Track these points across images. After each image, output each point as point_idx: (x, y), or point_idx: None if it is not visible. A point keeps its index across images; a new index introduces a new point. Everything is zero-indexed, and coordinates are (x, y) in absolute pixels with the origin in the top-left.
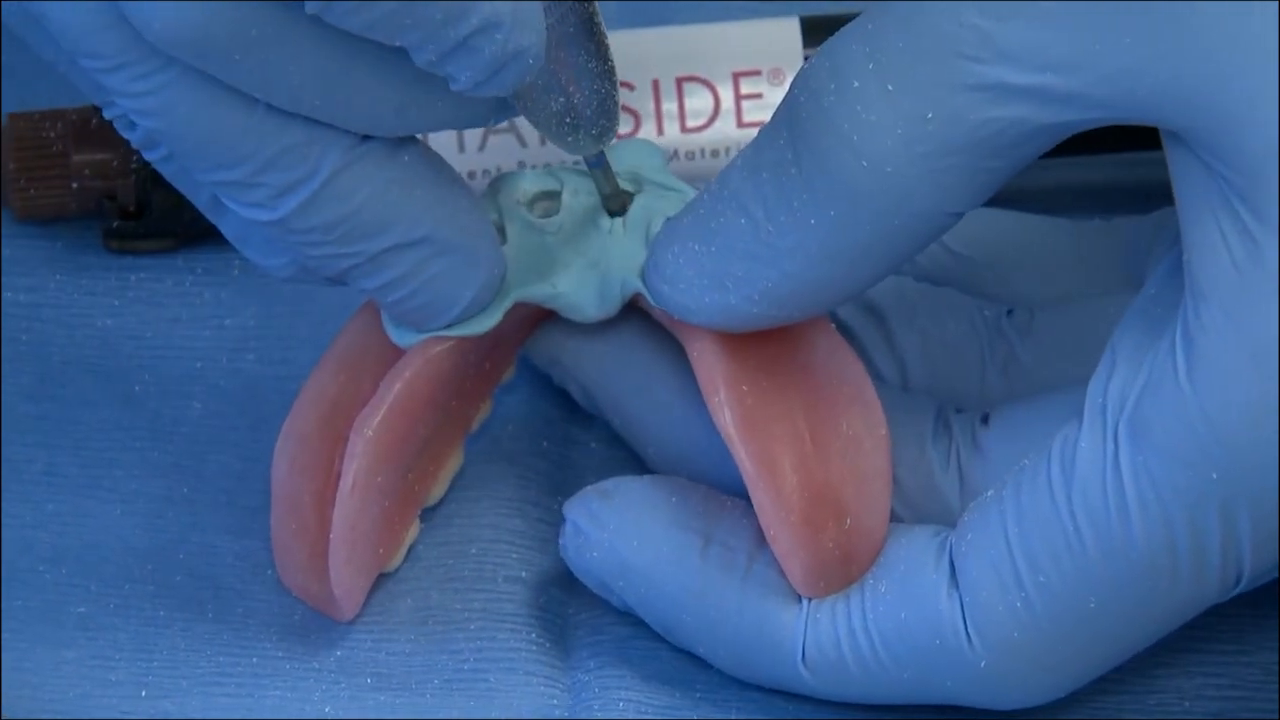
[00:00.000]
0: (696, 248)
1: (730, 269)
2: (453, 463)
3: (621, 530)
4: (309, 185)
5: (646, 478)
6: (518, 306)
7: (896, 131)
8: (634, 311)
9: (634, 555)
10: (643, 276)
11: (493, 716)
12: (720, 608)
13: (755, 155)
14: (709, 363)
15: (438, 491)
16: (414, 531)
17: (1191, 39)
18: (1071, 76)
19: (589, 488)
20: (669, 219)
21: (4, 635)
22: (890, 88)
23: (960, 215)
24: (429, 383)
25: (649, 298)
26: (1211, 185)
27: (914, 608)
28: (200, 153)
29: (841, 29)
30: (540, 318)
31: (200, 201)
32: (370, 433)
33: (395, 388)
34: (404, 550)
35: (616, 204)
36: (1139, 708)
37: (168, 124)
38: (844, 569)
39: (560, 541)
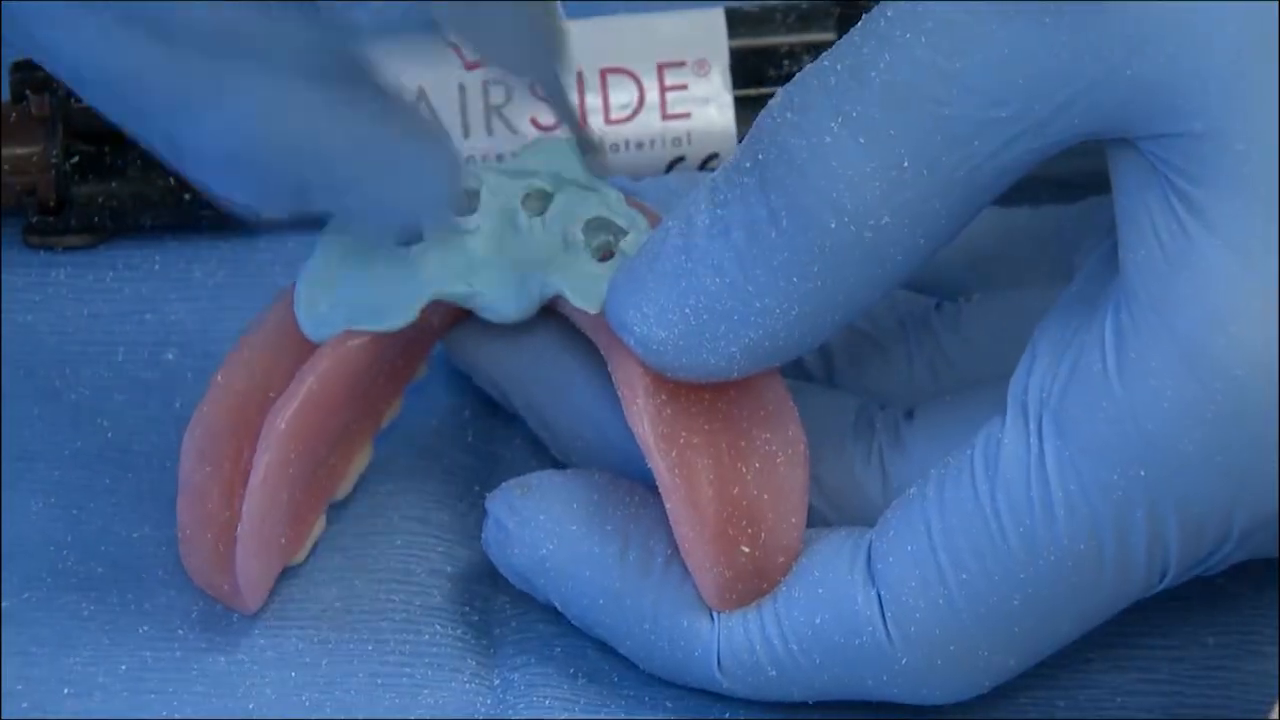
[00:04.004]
0: (668, 310)
1: (706, 330)
2: (361, 459)
3: (542, 526)
4: None
5: (569, 472)
6: (434, 305)
7: (875, 184)
8: (553, 313)
9: (553, 553)
10: (607, 320)
11: (418, 715)
12: (636, 611)
13: (721, 212)
14: (629, 370)
15: (345, 487)
16: (320, 526)
17: (1149, 48)
18: (1036, 103)
19: (511, 481)
20: (625, 270)
21: None
22: (862, 140)
23: (943, 247)
24: (343, 377)
25: (571, 302)
26: (1151, 182)
27: (830, 609)
28: None
29: (799, 76)
30: (457, 317)
31: (158, 145)
32: (284, 425)
33: (309, 380)
34: (310, 545)
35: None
36: (1071, 703)
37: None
38: (756, 583)
39: (482, 536)
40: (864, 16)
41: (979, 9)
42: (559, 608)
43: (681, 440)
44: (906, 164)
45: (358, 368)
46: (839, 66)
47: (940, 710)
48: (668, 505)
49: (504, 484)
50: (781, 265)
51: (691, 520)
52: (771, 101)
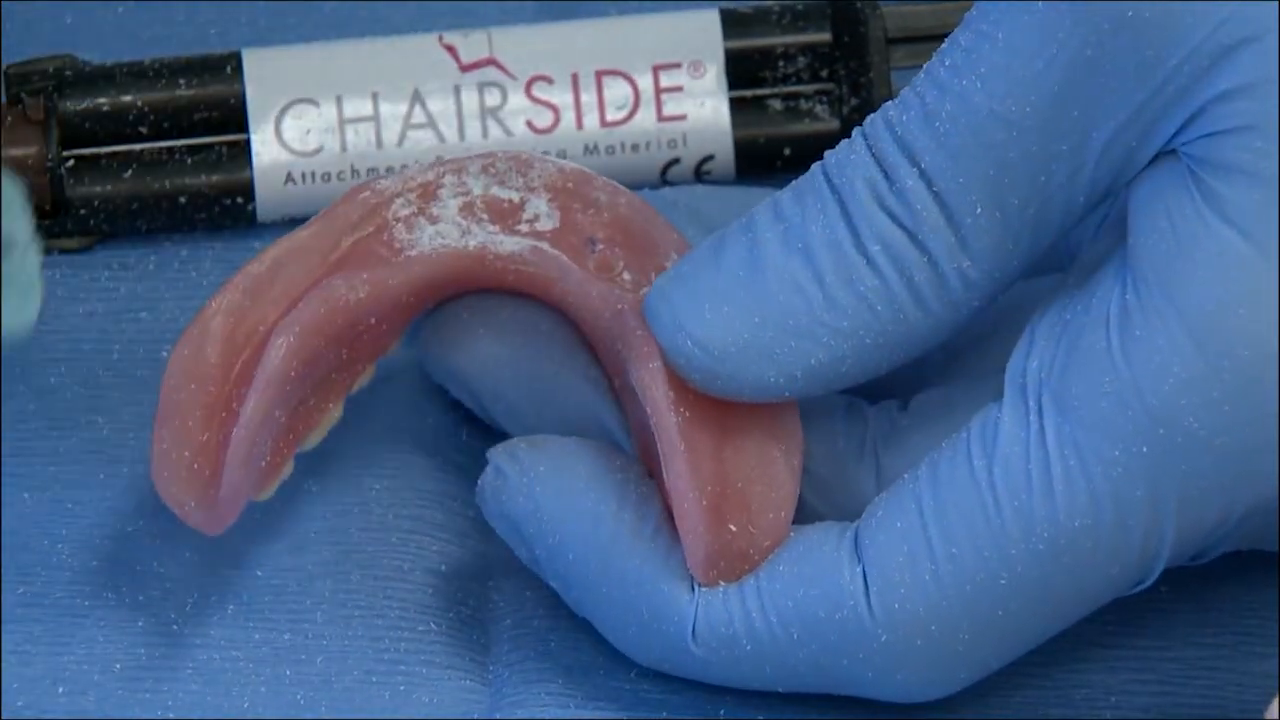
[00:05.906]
0: (734, 317)
1: (777, 345)
2: (334, 411)
3: (542, 477)
4: None
5: (575, 437)
6: (428, 263)
7: (952, 232)
8: (541, 319)
9: (548, 501)
10: (652, 325)
11: (413, 713)
12: (620, 571)
13: (798, 230)
14: (644, 335)
15: (314, 438)
16: (289, 469)
17: (1188, 66)
18: (1094, 131)
19: (517, 437)
20: (672, 274)
21: None
22: (937, 189)
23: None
24: (344, 310)
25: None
26: (1169, 169)
27: (813, 584)
28: None
29: (869, 121)
30: (438, 296)
31: None
32: (291, 340)
33: (322, 295)
34: (278, 482)
35: None
36: (1065, 703)
37: None
38: (740, 564)
39: (478, 483)
40: (927, 65)
41: (1028, 51)
42: (540, 562)
43: (689, 408)
44: (980, 210)
45: (356, 303)
46: (904, 117)
47: (933, 709)
48: (668, 469)
49: (510, 439)
50: (869, 292)
51: (690, 487)
52: (844, 144)
